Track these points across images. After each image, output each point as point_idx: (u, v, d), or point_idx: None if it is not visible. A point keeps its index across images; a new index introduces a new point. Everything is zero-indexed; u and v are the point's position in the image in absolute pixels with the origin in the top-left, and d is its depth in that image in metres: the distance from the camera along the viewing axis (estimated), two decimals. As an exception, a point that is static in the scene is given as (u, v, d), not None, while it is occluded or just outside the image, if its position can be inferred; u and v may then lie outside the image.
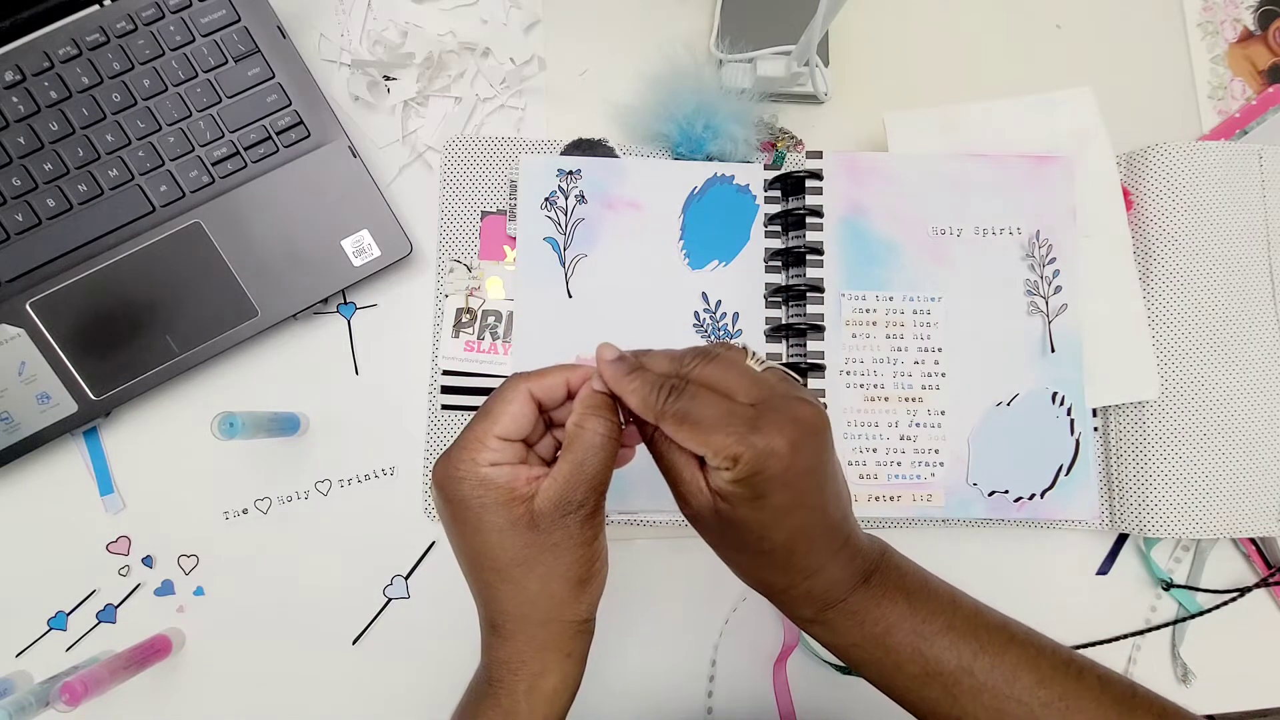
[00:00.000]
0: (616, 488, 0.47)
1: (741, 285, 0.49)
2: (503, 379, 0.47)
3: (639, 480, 0.47)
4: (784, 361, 0.48)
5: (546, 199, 0.49)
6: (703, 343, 0.48)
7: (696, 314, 0.48)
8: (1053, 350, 0.48)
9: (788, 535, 0.27)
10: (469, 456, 0.28)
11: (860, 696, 0.48)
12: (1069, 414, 0.47)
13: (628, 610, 0.49)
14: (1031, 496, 0.47)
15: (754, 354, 0.29)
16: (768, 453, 0.25)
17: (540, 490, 0.28)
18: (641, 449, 0.32)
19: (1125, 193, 0.50)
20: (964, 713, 0.27)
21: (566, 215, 0.49)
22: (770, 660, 0.48)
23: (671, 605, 0.49)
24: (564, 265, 0.49)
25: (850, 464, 0.47)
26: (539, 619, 0.28)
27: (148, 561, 0.48)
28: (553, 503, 0.28)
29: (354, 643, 0.48)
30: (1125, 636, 0.49)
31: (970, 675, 0.27)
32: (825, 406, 0.47)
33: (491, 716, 0.28)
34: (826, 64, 0.51)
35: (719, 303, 0.49)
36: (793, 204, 0.49)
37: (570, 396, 0.30)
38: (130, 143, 0.47)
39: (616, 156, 0.50)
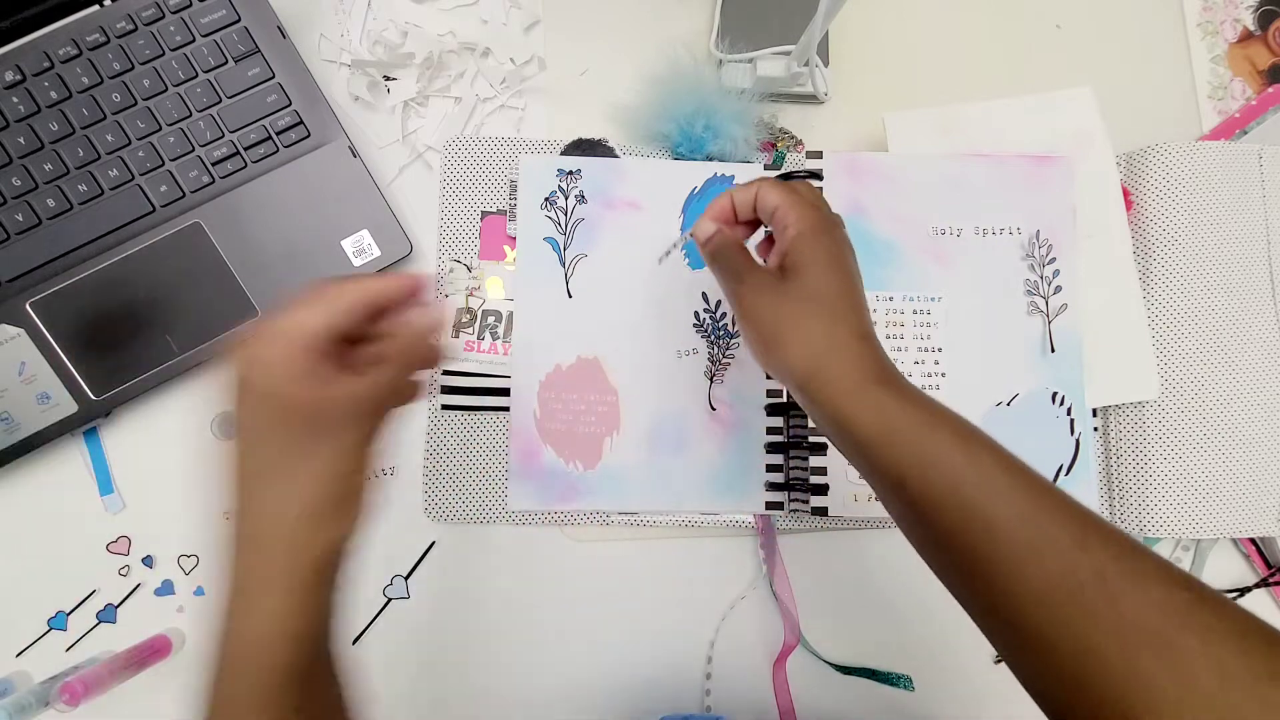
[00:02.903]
0: (617, 488, 0.47)
1: (741, 285, 0.49)
2: (504, 379, 0.48)
3: (639, 480, 0.47)
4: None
5: (546, 199, 0.49)
6: (703, 343, 0.48)
7: (696, 314, 0.49)
8: (1053, 350, 0.48)
9: (839, 283, 0.32)
10: (261, 350, 0.26)
11: (860, 696, 0.48)
12: (1069, 414, 0.47)
13: (628, 610, 0.49)
14: (1031, 496, 0.47)
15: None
16: (829, 218, 0.33)
17: (328, 394, 0.26)
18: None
19: (1125, 193, 0.50)
20: (1004, 527, 0.27)
21: (566, 215, 0.49)
22: (770, 660, 0.48)
23: (672, 605, 0.49)
24: (564, 265, 0.49)
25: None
26: (283, 538, 0.25)
27: (148, 561, 0.48)
28: (345, 399, 0.26)
29: (354, 642, 0.48)
30: (1125, 636, 0.49)
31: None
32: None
33: (222, 657, 0.25)
34: (826, 64, 0.51)
35: (719, 303, 0.49)
36: (793, 204, 0.49)
37: (381, 315, 0.28)
38: (130, 143, 0.47)
39: (616, 156, 0.50)
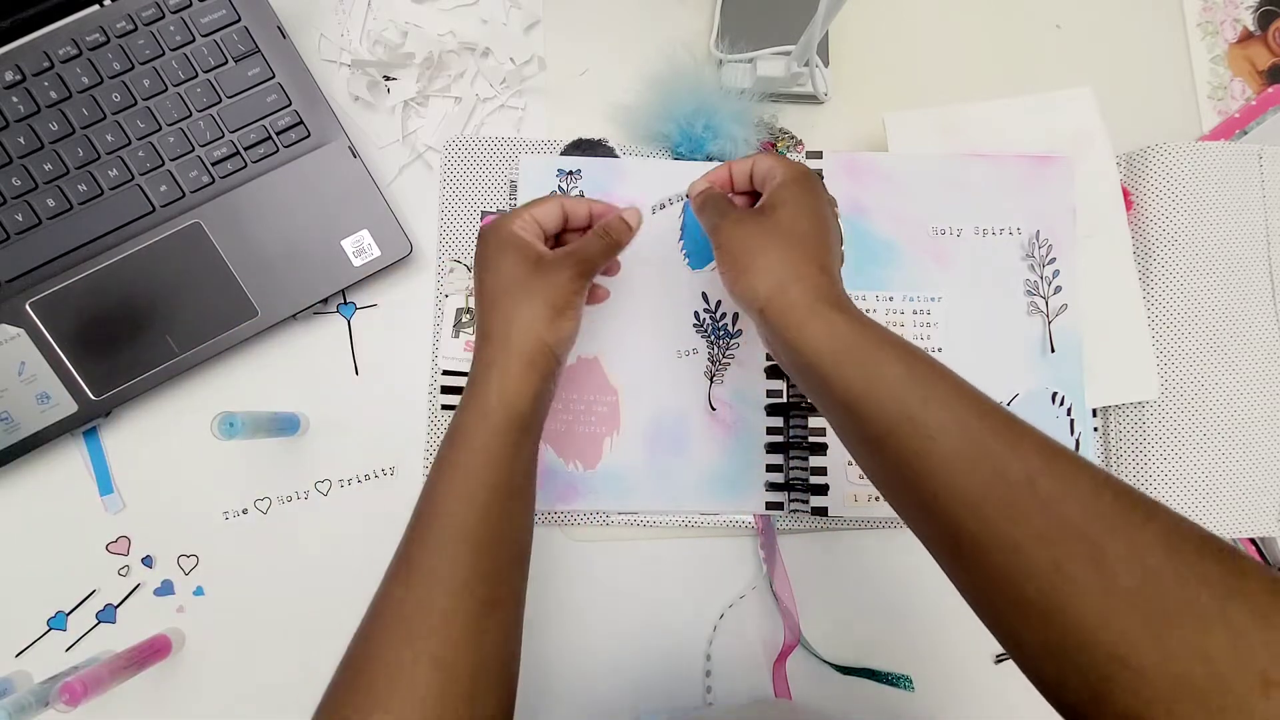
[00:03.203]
0: (617, 488, 0.47)
1: (741, 285, 0.49)
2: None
3: (639, 480, 0.47)
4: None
5: (546, 199, 0.49)
6: (703, 343, 0.48)
7: (696, 314, 0.49)
8: (1053, 350, 0.48)
9: (808, 223, 0.36)
10: (507, 222, 0.38)
11: (860, 696, 0.48)
12: (1069, 414, 0.47)
13: (628, 609, 0.49)
14: (1031, 496, 0.47)
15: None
16: (801, 170, 0.37)
17: (553, 251, 0.38)
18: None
19: (1125, 193, 0.50)
20: (937, 436, 0.28)
21: (566, 215, 0.49)
22: (770, 660, 0.48)
23: (672, 604, 0.49)
24: (564, 265, 0.49)
25: (850, 464, 0.47)
26: (518, 332, 0.36)
27: (148, 561, 0.48)
28: (564, 253, 0.38)
29: (354, 643, 0.47)
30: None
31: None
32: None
33: (469, 406, 0.35)
34: (826, 64, 0.51)
35: (719, 303, 0.49)
36: (793, 204, 0.49)
37: (587, 228, 0.40)
38: (130, 143, 0.47)
39: (616, 156, 0.50)
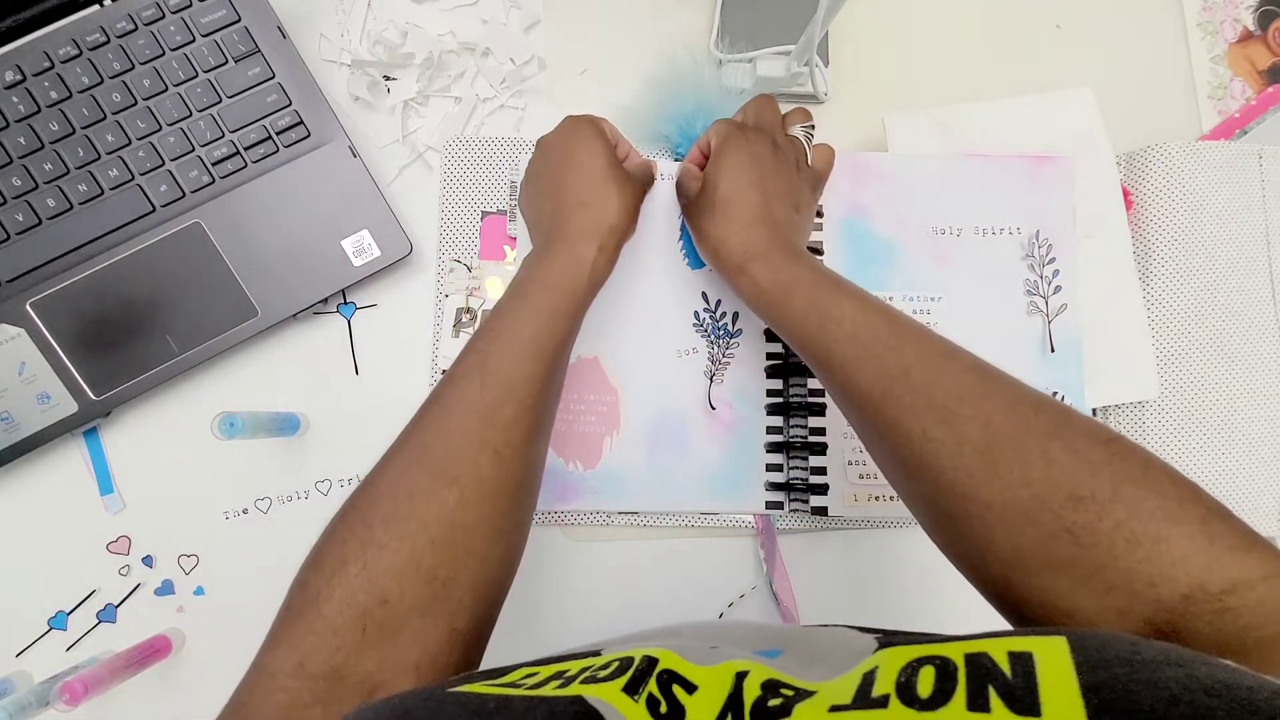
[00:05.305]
0: (617, 488, 0.47)
1: (741, 285, 0.49)
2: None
3: (639, 480, 0.47)
4: (783, 363, 0.48)
5: (546, 199, 0.49)
6: (703, 343, 0.48)
7: (696, 314, 0.48)
8: (1053, 350, 0.48)
9: (726, 187, 0.39)
10: (598, 120, 0.42)
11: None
12: (1069, 414, 0.47)
13: (628, 609, 0.49)
14: (1031, 496, 0.47)
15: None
16: (724, 131, 0.41)
17: (627, 164, 0.43)
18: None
19: (1125, 193, 0.50)
20: (834, 346, 0.35)
21: (566, 215, 0.49)
22: (770, 660, 0.48)
23: (671, 605, 0.49)
24: (564, 265, 0.49)
25: (850, 463, 0.47)
26: (606, 223, 0.39)
27: (148, 561, 0.48)
28: (636, 166, 0.44)
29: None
30: (1125, 636, 0.49)
31: (845, 320, 0.35)
32: (824, 407, 0.47)
33: (564, 258, 0.38)
34: (826, 64, 0.51)
35: (719, 302, 0.49)
36: (793, 204, 0.49)
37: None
38: (130, 143, 0.47)
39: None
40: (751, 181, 0.39)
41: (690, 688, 0.22)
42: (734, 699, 0.21)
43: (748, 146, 0.40)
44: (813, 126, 0.44)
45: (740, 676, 0.22)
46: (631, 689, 0.21)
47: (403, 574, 0.30)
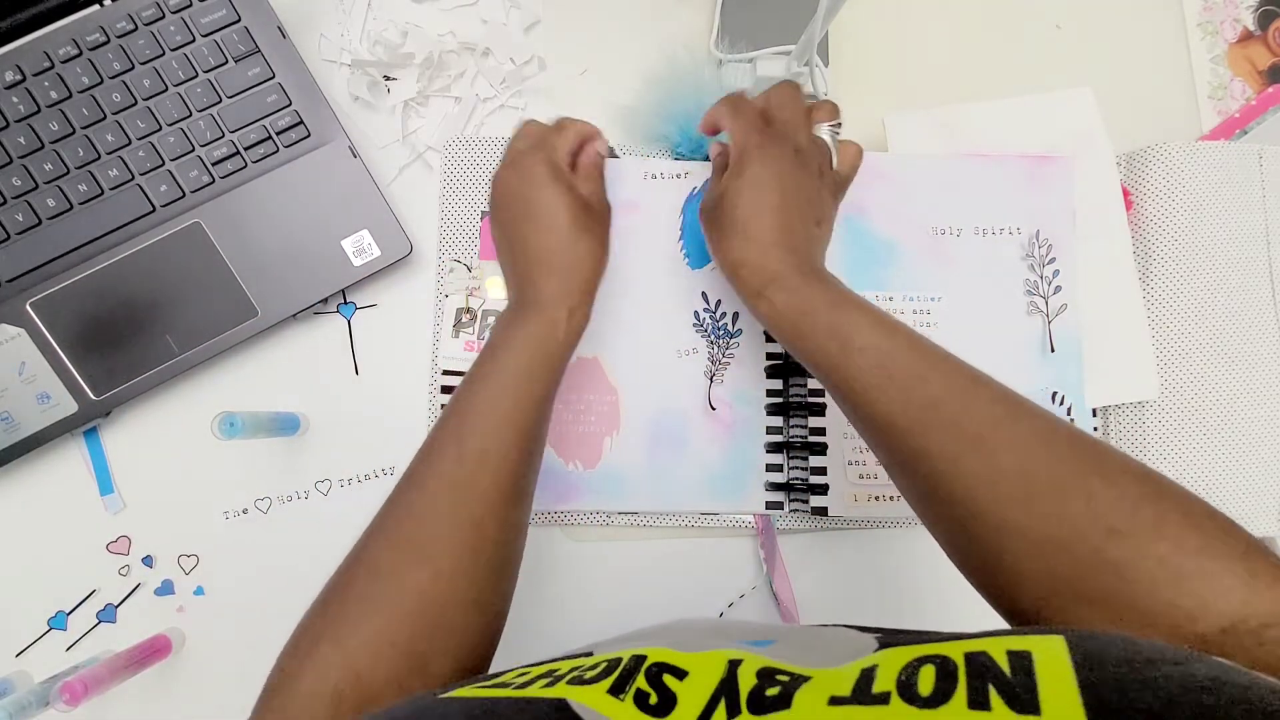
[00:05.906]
0: (617, 488, 0.47)
1: (741, 285, 0.49)
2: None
3: (639, 480, 0.47)
4: (784, 363, 0.48)
5: (546, 199, 0.49)
6: (703, 343, 0.48)
7: (696, 314, 0.48)
8: (1053, 350, 0.48)
9: (746, 210, 0.37)
10: (551, 158, 0.40)
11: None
12: (1069, 414, 0.47)
13: (628, 609, 0.49)
14: (1031, 496, 0.47)
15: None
16: (740, 150, 0.38)
17: (585, 194, 0.41)
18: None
19: (1125, 193, 0.50)
20: (858, 375, 0.34)
21: (566, 215, 0.49)
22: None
23: (671, 605, 0.49)
24: (564, 265, 0.49)
25: (850, 464, 0.47)
26: (578, 286, 0.39)
27: (148, 561, 0.48)
28: (590, 185, 0.42)
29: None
30: (1125, 636, 0.49)
31: (864, 343, 0.34)
32: (824, 407, 0.47)
33: (536, 322, 0.37)
34: (826, 64, 0.51)
35: (719, 302, 0.49)
36: (793, 204, 0.49)
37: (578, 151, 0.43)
38: (130, 143, 0.47)
39: (617, 157, 0.50)
40: (772, 204, 0.37)
41: (681, 674, 0.22)
42: (728, 684, 0.21)
43: (770, 163, 0.37)
44: (839, 125, 0.41)
45: (734, 664, 0.22)
46: (617, 689, 0.22)
47: (376, 650, 0.31)
